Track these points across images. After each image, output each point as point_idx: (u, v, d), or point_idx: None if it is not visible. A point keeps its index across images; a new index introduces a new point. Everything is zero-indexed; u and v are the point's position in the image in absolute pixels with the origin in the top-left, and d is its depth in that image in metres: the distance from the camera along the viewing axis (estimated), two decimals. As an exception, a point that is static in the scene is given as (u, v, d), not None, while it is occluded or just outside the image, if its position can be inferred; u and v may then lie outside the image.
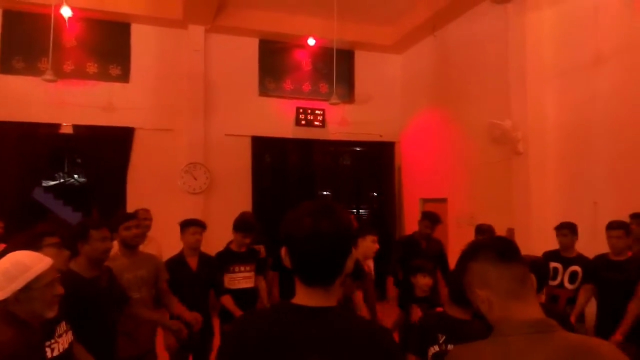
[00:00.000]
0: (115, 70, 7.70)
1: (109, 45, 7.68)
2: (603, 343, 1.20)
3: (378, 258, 5.13)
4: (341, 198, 9.14)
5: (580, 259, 4.19)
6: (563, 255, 4.24)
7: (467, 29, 7.26)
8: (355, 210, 9.29)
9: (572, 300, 4.09)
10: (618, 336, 3.51)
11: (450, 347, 2.28)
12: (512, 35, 5.87)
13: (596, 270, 3.94)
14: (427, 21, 7.68)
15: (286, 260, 1.26)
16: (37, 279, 1.80)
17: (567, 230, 4.25)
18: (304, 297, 1.24)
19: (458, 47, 7.49)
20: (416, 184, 8.71)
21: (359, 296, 3.45)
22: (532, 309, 1.23)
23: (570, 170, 5.37)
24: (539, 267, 2.78)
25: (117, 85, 7.66)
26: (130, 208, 7.00)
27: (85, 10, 7.19)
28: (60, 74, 6.97)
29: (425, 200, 8.33)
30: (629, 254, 3.84)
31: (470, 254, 1.34)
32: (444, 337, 2.30)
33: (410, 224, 8.19)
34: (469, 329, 2.34)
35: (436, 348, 2.30)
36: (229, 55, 8.22)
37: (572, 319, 3.95)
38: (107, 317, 2.78)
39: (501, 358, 1.17)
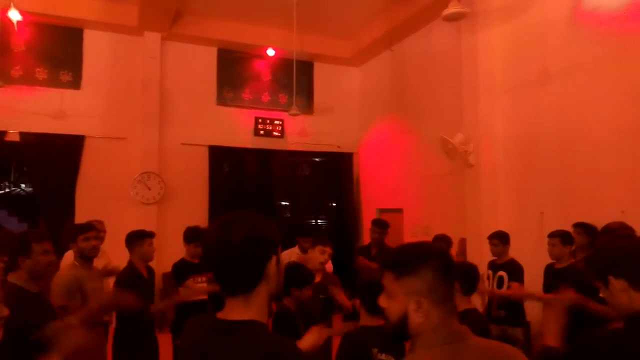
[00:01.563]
0: (66, 77, 7.45)
1: (60, 51, 7.44)
2: (510, 347, 1.26)
3: (337, 269, 5.17)
4: (300, 208, 9.14)
5: (508, 264, 4.41)
6: (494, 263, 4.49)
7: (422, 45, 7.47)
8: (314, 221, 9.31)
9: (502, 305, 4.30)
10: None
11: (383, 356, 2.31)
12: (464, 52, 6.08)
13: (544, 279, 4.13)
14: (384, 36, 7.85)
15: None
16: None
17: (497, 240, 4.48)
18: (226, 308, 1.25)
19: (414, 62, 7.69)
20: (373, 195, 8.83)
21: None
22: (455, 319, 1.26)
23: (519, 182, 5.58)
24: (469, 271, 2.91)
25: (68, 92, 7.42)
26: (79, 219, 6.76)
27: (35, 14, 6.94)
28: (7, 80, 6.68)
29: (382, 211, 8.44)
30: (572, 261, 4.02)
31: (423, 256, 1.26)
32: (376, 350, 2.33)
33: (368, 234, 8.28)
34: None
35: None
36: (186, 64, 8.12)
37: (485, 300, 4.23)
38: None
39: None
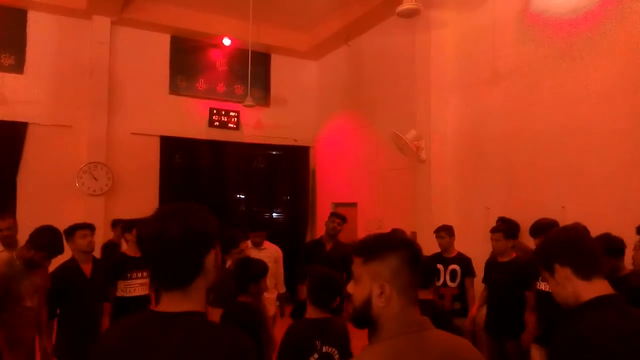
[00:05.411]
0: (7, 60, 7.06)
1: (2, 33, 7.06)
2: (466, 342, 1.31)
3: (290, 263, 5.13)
4: (255, 201, 9.06)
5: (458, 258, 4.53)
6: (444, 256, 4.57)
7: (378, 41, 7.53)
8: (268, 214, 9.24)
9: (457, 297, 4.41)
10: (524, 346, 3.81)
11: (326, 348, 2.33)
12: (418, 50, 6.18)
13: (485, 271, 4.26)
14: (341, 30, 7.86)
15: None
16: None
17: (444, 232, 4.59)
18: (164, 302, 1.22)
19: (370, 57, 7.74)
20: (329, 189, 8.86)
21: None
22: (417, 310, 1.29)
23: (467, 178, 5.74)
24: (428, 266, 3.01)
25: (10, 76, 7.03)
26: (20, 210, 6.49)
27: (-28, -9, 6.53)
28: (-61, 60, 6.26)
29: (337, 205, 8.49)
30: (514, 255, 4.16)
31: (390, 243, 1.31)
32: (319, 342, 2.34)
33: (323, 228, 8.31)
34: (335, 327, 2.45)
35: (316, 355, 2.32)
36: (137, 50, 7.85)
37: (474, 312, 4.30)
38: None
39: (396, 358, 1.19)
